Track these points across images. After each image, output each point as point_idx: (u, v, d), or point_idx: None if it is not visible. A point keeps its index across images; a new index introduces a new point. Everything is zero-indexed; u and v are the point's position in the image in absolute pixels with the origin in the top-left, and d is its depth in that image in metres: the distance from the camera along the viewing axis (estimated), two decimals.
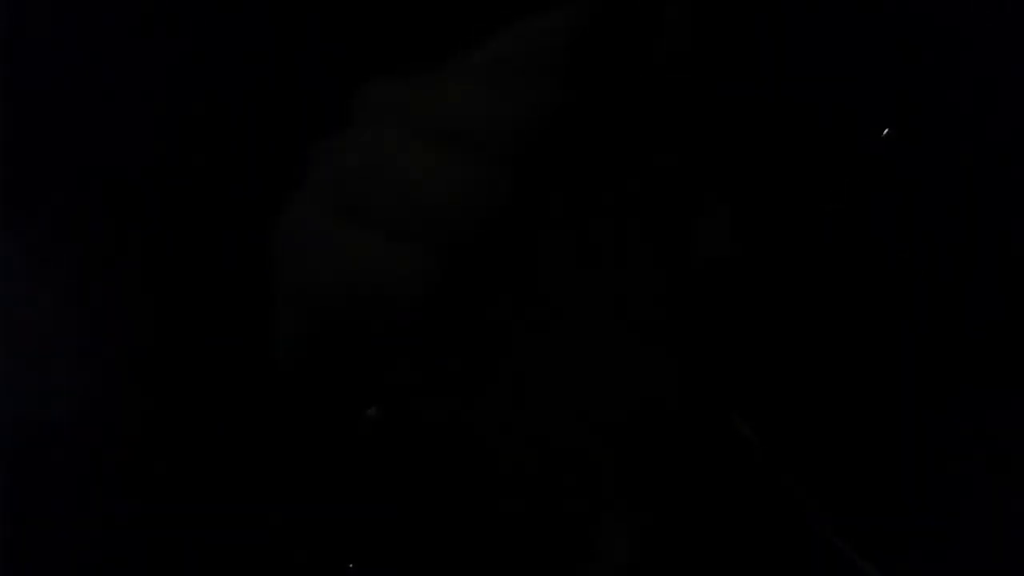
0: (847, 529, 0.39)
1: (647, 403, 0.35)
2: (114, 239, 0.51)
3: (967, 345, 0.48)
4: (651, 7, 0.37)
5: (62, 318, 0.51)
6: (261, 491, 0.49)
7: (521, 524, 0.37)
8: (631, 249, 0.36)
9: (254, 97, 0.51)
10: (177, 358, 0.50)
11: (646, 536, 0.35)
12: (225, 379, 0.49)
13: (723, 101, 0.41)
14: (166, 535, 0.49)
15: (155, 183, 0.51)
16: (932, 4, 0.49)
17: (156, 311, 0.51)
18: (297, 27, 0.50)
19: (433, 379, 0.35)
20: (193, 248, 0.51)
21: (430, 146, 0.34)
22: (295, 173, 0.36)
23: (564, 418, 0.35)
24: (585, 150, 0.35)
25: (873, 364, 0.48)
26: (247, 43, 0.51)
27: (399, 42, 0.48)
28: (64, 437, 0.50)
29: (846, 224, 0.47)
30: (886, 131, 0.46)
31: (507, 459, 0.36)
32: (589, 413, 0.35)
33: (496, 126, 0.34)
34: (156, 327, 0.51)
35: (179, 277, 0.51)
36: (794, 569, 0.38)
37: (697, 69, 0.38)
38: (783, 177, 0.47)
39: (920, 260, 0.48)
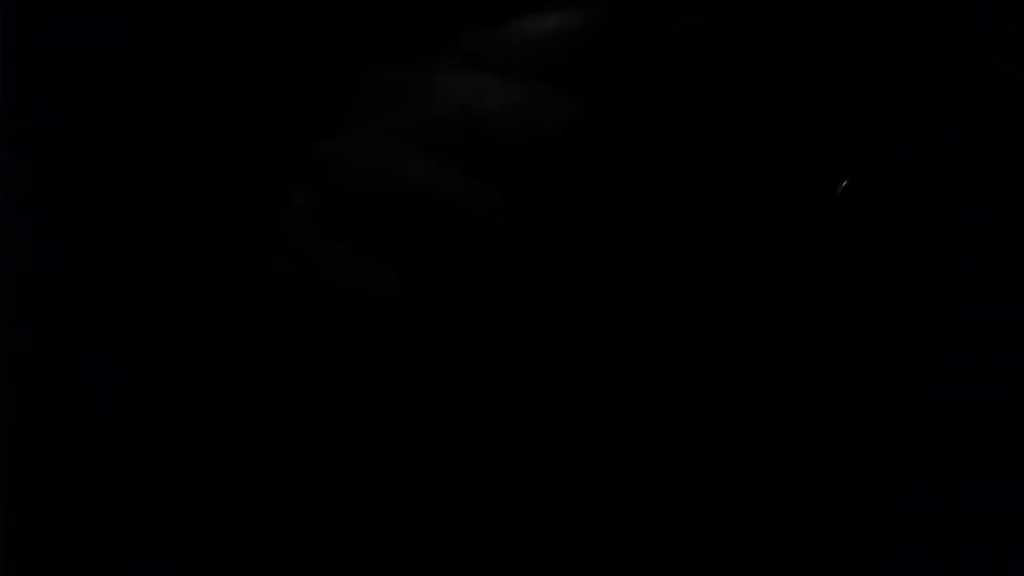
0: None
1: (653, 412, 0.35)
2: (123, 236, 0.51)
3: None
4: (655, 9, 0.34)
5: (63, 319, 0.51)
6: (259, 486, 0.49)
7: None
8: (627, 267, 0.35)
9: (256, 90, 0.50)
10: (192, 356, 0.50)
11: None
12: (235, 379, 0.49)
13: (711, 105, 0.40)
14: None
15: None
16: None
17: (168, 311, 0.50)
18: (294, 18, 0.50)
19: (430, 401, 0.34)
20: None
21: (427, 155, 0.31)
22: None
23: (564, 432, 0.34)
24: (597, 166, 0.33)
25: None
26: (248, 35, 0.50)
27: (396, 33, 0.47)
28: (64, 438, 0.50)
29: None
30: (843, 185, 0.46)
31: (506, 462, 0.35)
32: (588, 423, 0.35)
33: (513, 141, 0.31)
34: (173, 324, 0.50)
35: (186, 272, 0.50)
36: None
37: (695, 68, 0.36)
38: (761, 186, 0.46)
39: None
